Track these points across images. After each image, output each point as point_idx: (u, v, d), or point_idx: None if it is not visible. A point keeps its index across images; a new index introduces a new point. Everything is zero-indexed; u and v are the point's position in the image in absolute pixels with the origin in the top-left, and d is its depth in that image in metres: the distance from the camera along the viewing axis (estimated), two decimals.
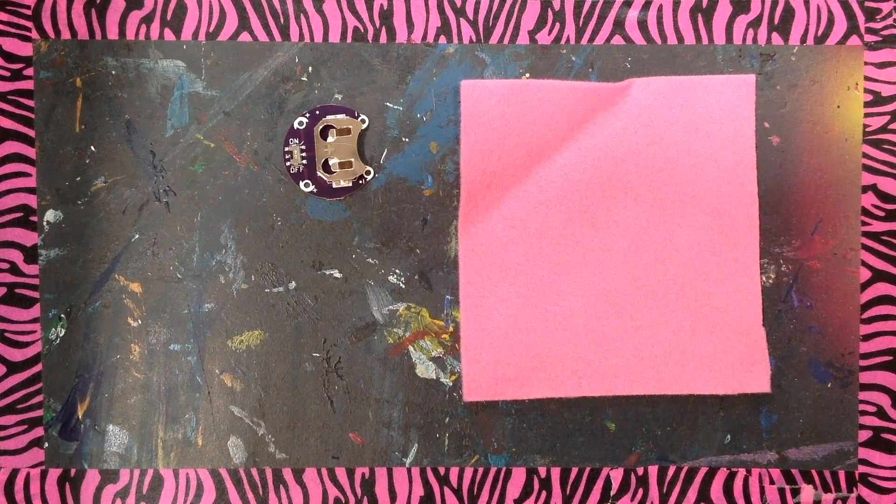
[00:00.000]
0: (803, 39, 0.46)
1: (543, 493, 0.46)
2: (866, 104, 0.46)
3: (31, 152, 0.46)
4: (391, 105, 0.46)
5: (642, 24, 0.46)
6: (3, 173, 0.46)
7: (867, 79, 0.46)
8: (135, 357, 0.46)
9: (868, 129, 0.46)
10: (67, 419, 0.46)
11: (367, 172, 0.46)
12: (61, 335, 0.46)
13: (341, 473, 0.46)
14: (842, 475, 0.46)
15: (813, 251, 0.46)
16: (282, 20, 0.46)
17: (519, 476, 0.46)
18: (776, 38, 0.46)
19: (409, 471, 0.46)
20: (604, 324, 0.46)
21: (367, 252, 0.46)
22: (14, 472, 0.46)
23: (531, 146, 0.45)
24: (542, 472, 0.46)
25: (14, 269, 0.46)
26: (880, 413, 0.46)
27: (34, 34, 0.46)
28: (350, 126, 0.46)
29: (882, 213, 0.46)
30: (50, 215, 0.46)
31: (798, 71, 0.46)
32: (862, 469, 0.46)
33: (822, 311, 0.46)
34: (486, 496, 0.46)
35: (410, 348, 0.46)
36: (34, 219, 0.46)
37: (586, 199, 0.45)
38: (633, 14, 0.46)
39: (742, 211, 0.45)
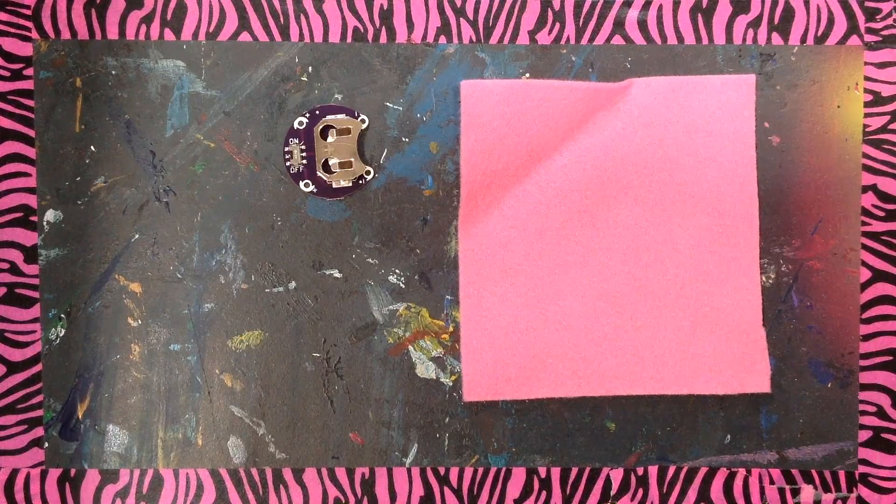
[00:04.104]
0: (803, 39, 0.46)
1: (543, 493, 0.46)
2: (866, 104, 0.46)
3: (31, 152, 0.46)
4: (391, 105, 0.46)
5: (642, 24, 0.46)
6: (3, 173, 0.46)
7: (867, 79, 0.46)
8: (135, 357, 0.46)
9: (868, 129, 0.46)
10: (67, 419, 0.46)
11: (367, 172, 0.46)
12: (61, 335, 0.46)
13: (341, 473, 0.46)
14: (842, 475, 0.46)
15: (813, 251, 0.46)
16: (282, 20, 0.46)
17: (519, 476, 0.46)
18: (776, 38, 0.46)
19: (409, 471, 0.46)
20: (604, 324, 0.46)
21: (367, 252, 0.46)
22: (14, 472, 0.46)
23: (531, 146, 0.45)
24: (542, 472, 0.46)
25: (14, 269, 0.46)
26: (880, 413, 0.46)
27: (34, 34, 0.46)
28: (350, 126, 0.46)
29: (882, 213, 0.46)
30: (50, 215, 0.46)
31: (798, 71, 0.46)
32: (862, 469, 0.46)
33: (822, 311, 0.46)
34: (486, 496, 0.46)
35: (410, 348, 0.46)
36: (34, 219, 0.46)
37: (586, 199, 0.45)
38: (633, 14, 0.46)
39: (742, 211, 0.45)
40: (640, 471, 0.46)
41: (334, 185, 0.46)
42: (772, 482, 0.46)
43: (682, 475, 0.46)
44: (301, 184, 0.46)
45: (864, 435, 0.46)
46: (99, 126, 0.46)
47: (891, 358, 0.46)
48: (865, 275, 0.46)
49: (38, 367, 0.46)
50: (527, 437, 0.46)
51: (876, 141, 0.46)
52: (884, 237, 0.46)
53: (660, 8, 0.46)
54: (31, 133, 0.46)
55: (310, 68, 0.46)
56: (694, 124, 0.45)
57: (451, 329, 0.46)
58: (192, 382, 0.46)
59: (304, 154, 0.46)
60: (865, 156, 0.46)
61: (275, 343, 0.46)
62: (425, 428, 0.46)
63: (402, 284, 0.46)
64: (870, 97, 0.46)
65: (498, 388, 0.45)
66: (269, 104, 0.46)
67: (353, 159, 0.46)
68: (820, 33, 0.46)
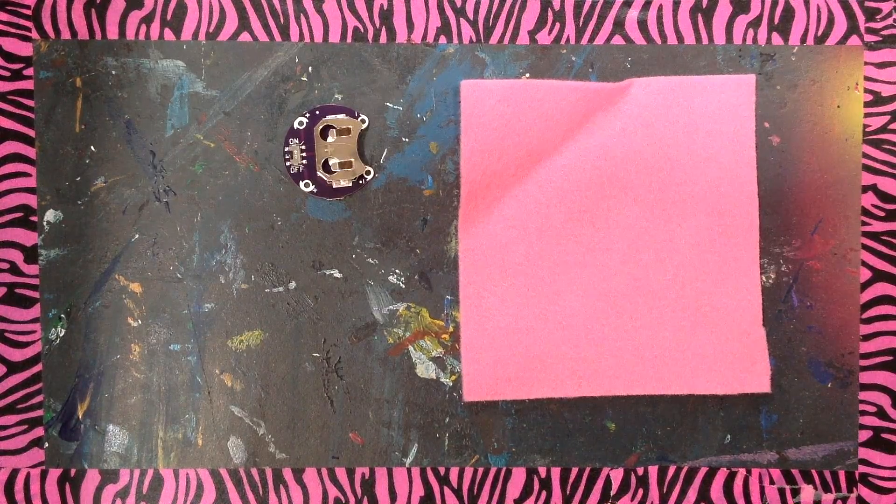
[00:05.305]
0: (803, 39, 0.46)
1: (543, 493, 0.46)
2: (866, 104, 0.46)
3: (31, 152, 0.46)
4: (391, 105, 0.46)
5: (642, 24, 0.46)
6: (3, 173, 0.46)
7: (867, 79, 0.46)
8: (135, 357, 0.46)
9: (868, 129, 0.46)
10: (67, 419, 0.46)
11: (367, 172, 0.46)
12: (61, 335, 0.46)
13: (341, 473, 0.46)
14: (842, 475, 0.46)
15: (813, 251, 0.46)
16: (282, 20, 0.46)
17: (519, 476, 0.46)
18: (776, 38, 0.46)
19: (409, 471, 0.46)
20: (604, 324, 0.46)
21: (367, 252, 0.46)
22: (14, 472, 0.46)
23: (531, 146, 0.45)
24: (542, 472, 0.46)
25: (14, 269, 0.46)
26: (880, 413, 0.46)
27: (34, 34, 0.46)
28: (350, 126, 0.46)
29: (882, 213, 0.46)
30: (50, 215, 0.46)
31: (798, 71, 0.46)
32: (862, 469, 0.46)
33: (822, 311, 0.46)
34: (486, 496, 0.46)
35: (410, 348, 0.46)
36: (34, 219, 0.46)
37: (586, 199, 0.45)
38: (633, 14, 0.46)
39: (742, 211, 0.45)
40: (640, 471, 0.46)
41: (334, 185, 0.46)
42: (772, 482, 0.46)
43: (682, 475, 0.46)
44: (301, 184, 0.46)
45: (864, 435, 0.46)
46: (99, 126, 0.46)
47: (891, 358, 0.46)
48: (865, 275, 0.46)
49: (38, 367, 0.46)
50: (527, 437, 0.46)
51: (876, 141, 0.46)
52: (884, 237, 0.46)
53: (660, 8, 0.46)
54: (31, 133, 0.46)
55: (310, 68, 0.46)
56: (694, 124, 0.45)
57: (451, 329, 0.46)
58: (192, 382, 0.46)
59: (304, 154, 0.46)
60: (865, 156, 0.46)
61: (275, 343, 0.46)
62: (425, 428, 0.46)
63: (402, 284, 0.46)
64: (870, 97, 0.46)
65: (498, 388, 0.45)
66: (269, 104, 0.46)
67: (353, 159, 0.46)
68: (820, 33, 0.46)
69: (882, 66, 0.46)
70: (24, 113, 0.46)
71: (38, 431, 0.46)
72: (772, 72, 0.46)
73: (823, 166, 0.46)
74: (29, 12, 0.46)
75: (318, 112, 0.46)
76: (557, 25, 0.46)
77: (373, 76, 0.46)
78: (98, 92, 0.46)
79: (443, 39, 0.46)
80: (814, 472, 0.46)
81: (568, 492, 0.46)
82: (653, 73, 0.46)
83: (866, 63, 0.46)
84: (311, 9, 0.46)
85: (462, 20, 0.46)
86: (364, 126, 0.46)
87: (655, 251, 0.46)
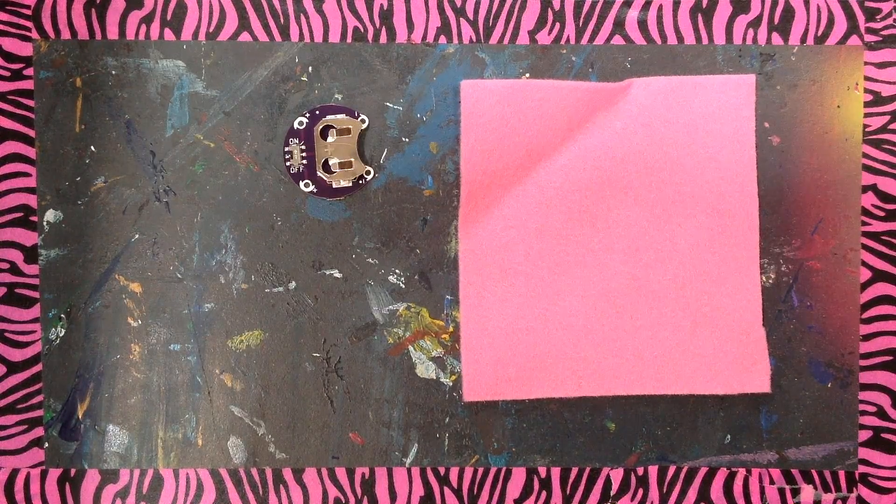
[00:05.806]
0: (803, 39, 0.46)
1: (543, 493, 0.46)
2: (866, 104, 0.46)
3: (31, 152, 0.46)
4: (391, 105, 0.46)
5: (642, 24, 0.46)
6: (3, 173, 0.46)
7: (867, 79, 0.46)
8: (135, 357, 0.46)
9: (868, 129, 0.46)
10: (67, 419, 0.46)
11: (367, 172, 0.46)
12: (61, 335, 0.46)
13: (341, 473, 0.46)
14: (842, 475, 0.46)
15: (813, 251, 0.46)
16: (282, 20, 0.46)
17: (519, 476, 0.46)
18: (776, 38, 0.46)
19: (409, 471, 0.46)
20: (604, 324, 0.46)
21: (367, 252, 0.46)
22: (14, 472, 0.46)
23: (531, 146, 0.45)
24: (542, 472, 0.46)
25: (14, 269, 0.46)
26: (880, 413, 0.46)
27: (34, 34, 0.46)
28: (350, 126, 0.46)
29: (882, 213, 0.46)
30: (50, 215, 0.46)
31: (798, 71, 0.46)
32: (862, 469, 0.46)
33: (822, 311, 0.46)
34: (486, 496, 0.46)
35: (410, 348, 0.46)
36: (34, 219, 0.46)
37: (586, 199, 0.45)
38: (633, 14, 0.46)
39: (742, 211, 0.45)
40: (640, 471, 0.46)
41: (334, 185, 0.46)
42: (772, 482, 0.46)
43: (682, 475, 0.46)
44: (301, 184, 0.46)
45: (864, 435, 0.46)
46: (99, 126, 0.46)
47: (891, 358, 0.46)
48: (865, 275, 0.46)
49: (38, 367, 0.46)
50: (527, 437, 0.46)
51: (876, 141, 0.46)
52: (884, 237, 0.46)
53: (660, 8, 0.46)
54: (31, 133, 0.46)
55: (310, 68, 0.46)
56: (694, 124, 0.45)
57: (451, 329, 0.46)
58: (192, 382, 0.46)
59: (304, 154, 0.46)
60: (865, 156, 0.46)
61: (275, 343, 0.46)
62: (425, 428, 0.46)
63: (402, 284, 0.46)
64: (870, 97, 0.46)
65: (498, 388, 0.45)
66: (269, 104, 0.46)
67: (353, 159, 0.46)
68: (820, 33, 0.46)
69: (882, 66, 0.46)
70: (24, 113, 0.46)
71: (38, 431, 0.46)
72: (772, 72, 0.46)
73: (823, 166, 0.46)
74: (29, 12, 0.46)
75: (318, 112, 0.46)
76: (557, 25, 0.46)
77: (373, 76, 0.46)
78: (98, 92, 0.46)
79: (443, 39, 0.46)
80: (814, 472, 0.46)
81: (568, 492, 0.46)
82: (653, 73, 0.46)
83: (866, 63, 0.46)
84: (311, 9, 0.46)
85: (462, 20, 0.46)
86: (364, 126, 0.46)
87: (655, 251, 0.46)
